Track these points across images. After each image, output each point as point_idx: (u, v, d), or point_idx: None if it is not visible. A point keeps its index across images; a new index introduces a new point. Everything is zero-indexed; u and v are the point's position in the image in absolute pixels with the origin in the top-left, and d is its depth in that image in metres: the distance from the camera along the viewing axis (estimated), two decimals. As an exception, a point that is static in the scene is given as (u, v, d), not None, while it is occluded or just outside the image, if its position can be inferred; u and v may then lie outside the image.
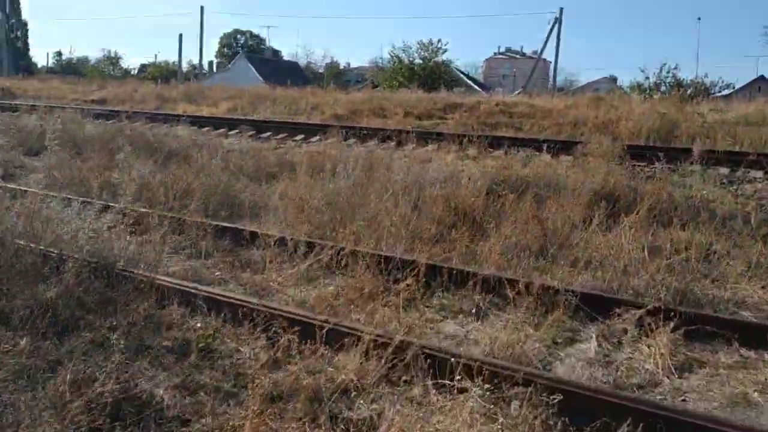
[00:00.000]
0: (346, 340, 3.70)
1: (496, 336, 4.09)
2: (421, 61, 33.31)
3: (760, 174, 10.33)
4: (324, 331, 3.74)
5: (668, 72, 25.83)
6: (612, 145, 11.03)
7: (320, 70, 56.51)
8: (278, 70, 43.11)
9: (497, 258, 5.45)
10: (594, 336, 4.24)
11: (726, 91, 26.10)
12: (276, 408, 3.10)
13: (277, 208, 7.13)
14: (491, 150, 12.54)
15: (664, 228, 7.31)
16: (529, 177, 9.93)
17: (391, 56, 34.29)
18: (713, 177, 10.29)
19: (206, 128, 15.50)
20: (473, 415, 2.86)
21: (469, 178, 10.22)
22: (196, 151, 9.45)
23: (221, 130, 15.22)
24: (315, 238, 6.09)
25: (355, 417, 3.07)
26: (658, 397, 3.59)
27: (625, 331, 4.34)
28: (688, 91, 24.46)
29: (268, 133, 14.77)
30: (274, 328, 3.82)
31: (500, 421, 2.87)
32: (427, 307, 4.82)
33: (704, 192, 9.44)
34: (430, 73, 32.05)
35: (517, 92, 31.14)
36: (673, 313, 4.31)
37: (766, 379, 3.83)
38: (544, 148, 12.10)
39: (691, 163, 10.93)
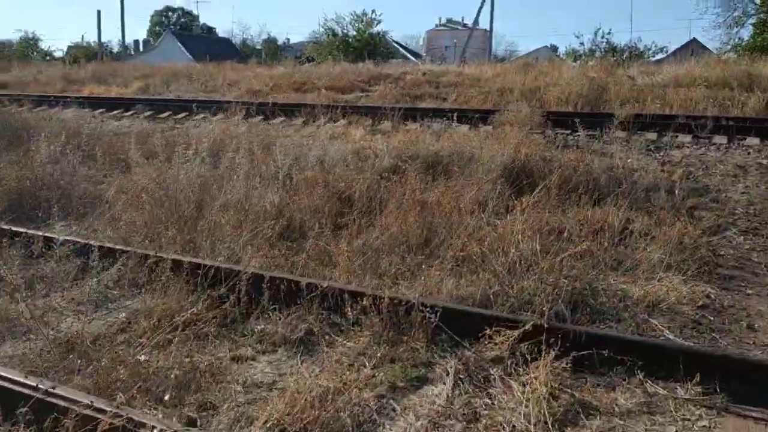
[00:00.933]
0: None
1: (311, 384, 2.84)
2: (355, 33, 31.66)
3: (688, 138, 9.35)
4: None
5: (602, 37, 24.96)
6: (531, 113, 9.86)
7: (258, 47, 54.03)
8: (210, 47, 40.71)
9: (346, 261, 4.18)
10: (451, 373, 3.02)
11: (660, 55, 25.42)
12: None
13: (112, 203, 5.71)
14: (407, 123, 11.28)
15: (577, 206, 6.17)
16: (443, 151, 8.73)
17: (324, 29, 32.53)
18: (639, 143, 9.25)
19: (101, 110, 13.77)
20: None
21: (376, 155, 9.01)
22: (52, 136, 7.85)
23: (116, 112, 13.53)
24: (139, 241, 4.72)
25: None
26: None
27: (499, 360, 3.15)
28: (623, 56, 23.72)
29: (168, 113, 13.16)
30: None
31: None
32: (244, 336, 3.55)
33: (628, 161, 8.40)
34: (365, 45, 30.46)
35: (459, 64, 29.89)
36: (560, 333, 3.13)
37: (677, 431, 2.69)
38: (458, 118, 10.95)
39: (618, 128, 9.89)
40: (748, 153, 8.59)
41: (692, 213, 6.69)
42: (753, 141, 9.03)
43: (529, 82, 14.67)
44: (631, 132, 9.82)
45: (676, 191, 7.02)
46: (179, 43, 48.80)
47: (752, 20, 21.85)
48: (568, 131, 10.15)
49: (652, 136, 9.63)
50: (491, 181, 7.34)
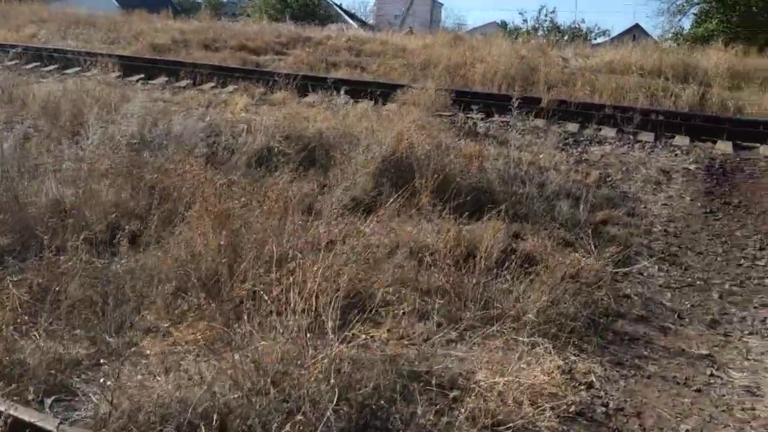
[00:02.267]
0: None
1: None
2: (293, -8, 29.41)
3: (612, 133, 8.03)
4: None
5: (546, 15, 23.59)
6: (437, 93, 8.33)
7: (199, 0, 50.51)
8: (143, -2, 37.26)
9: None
10: None
11: (602, 39, 24.28)
12: None
13: None
14: (307, 94, 9.61)
15: (457, 218, 4.72)
16: (330, 132, 7.16)
17: (264, -14, 30.08)
18: (558, 135, 7.88)
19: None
20: None
21: (250, 132, 7.38)
22: None
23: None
24: None
25: None
26: None
27: None
28: (565, 37, 22.49)
29: (35, 64, 11.06)
30: None
31: None
32: None
33: (540, 156, 7.00)
34: (303, 6, 28.26)
35: (403, 32, 28.06)
36: None
37: None
38: (365, 92, 9.35)
39: (537, 116, 8.51)
40: (675, 155, 7.32)
41: (601, 230, 5.35)
42: (682, 140, 7.78)
43: (456, 57, 13.12)
44: (551, 121, 8.44)
45: (586, 200, 5.66)
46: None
47: (695, 9, 20.92)
48: (482, 116, 8.70)
49: (573, 127, 8.28)
50: (370, 174, 5.85)
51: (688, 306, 4.31)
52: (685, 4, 21.29)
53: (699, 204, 6.14)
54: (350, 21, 31.57)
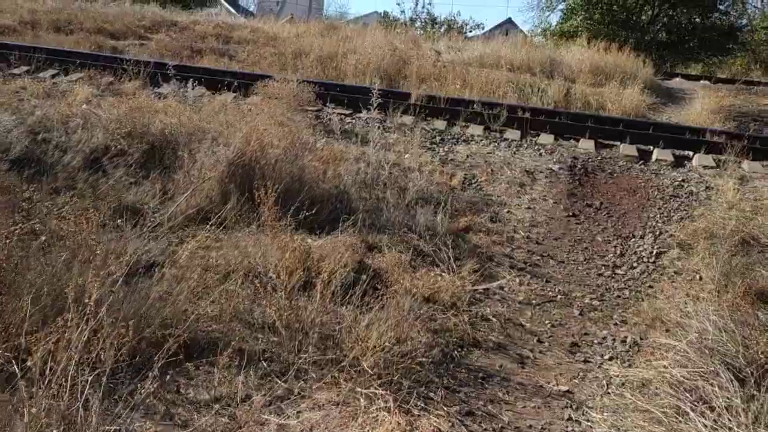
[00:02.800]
0: None
1: None
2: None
3: (479, 130, 7.72)
4: None
5: (423, 7, 23.46)
6: (299, 87, 7.62)
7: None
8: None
9: None
10: None
11: (476, 32, 24.57)
12: None
13: None
14: (162, 84, 8.52)
15: (307, 231, 4.07)
16: (181, 129, 6.26)
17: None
18: (426, 133, 7.45)
19: None
20: None
21: (83, 128, 6.34)
22: None
23: None
24: None
25: None
26: None
27: None
28: (441, 28, 22.50)
29: None
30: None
31: None
32: None
33: (406, 156, 6.52)
34: (175, -12, 26.22)
35: (283, 20, 26.89)
36: None
37: None
38: (227, 83, 8.45)
39: (405, 112, 8.03)
40: (540, 154, 7.12)
41: (462, 240, 4.92)
42: (546, 139, 7.62)
43: (329, 47, 12.44)
44: (420, 118, 8.00)
45: (448, 205, 5.23)
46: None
47: (561, 6, 21.62)
48: (350, 111, 8.12)
49: (441, 124, 7.88)
50: (216, 180, 5.05)
51: (548, 326, 3.96)
52: (553, 0, 21.98)
53: (562, 207, 5.91)
54: (230, 8, 29.87)
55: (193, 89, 8.10)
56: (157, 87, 8.50)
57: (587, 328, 3.97)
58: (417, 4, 23.34)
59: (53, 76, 8.84)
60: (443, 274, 4.07)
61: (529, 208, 5.84)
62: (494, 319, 3.91)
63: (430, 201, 5.37)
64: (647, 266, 4.96)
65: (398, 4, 20.08)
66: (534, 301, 4.23)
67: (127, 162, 5.93)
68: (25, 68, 9.07)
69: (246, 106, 7.64)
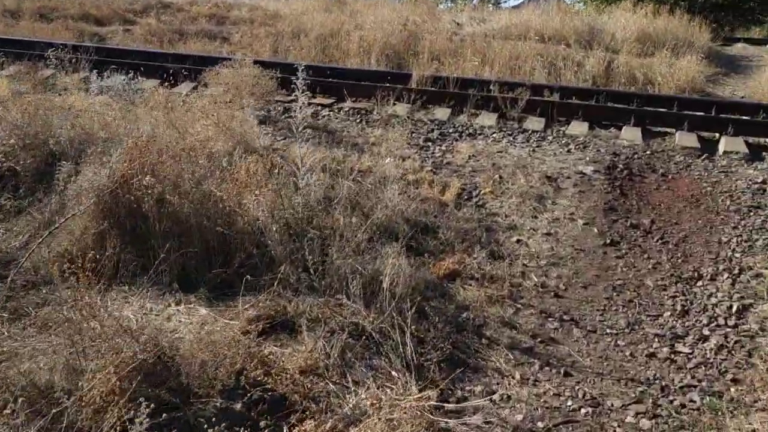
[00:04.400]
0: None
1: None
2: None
3: (491, 120, 5.93)
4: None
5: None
6: (263, 70, 5.97)
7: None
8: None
9: None
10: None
11: (512, 2, 22.16)
12: None
13: None
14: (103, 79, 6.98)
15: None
16: (90, 135, 4.77)
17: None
18: (421, 126, 5.70)
19: None
20: None
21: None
22: None
23: None
24: None
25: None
26: None
27: None
28: (474, 1, 20.33)
29: None
30: None
31: None
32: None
33: (386, 162, 4.82)
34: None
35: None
36: None
37: None
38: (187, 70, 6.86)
39: (399, 99, 6.28)
40: (568, 150, 5.28)
41: (446, 293, 3.21)
42: (579, 128, 5.76)
43: (332, 24, 10.69)
44: (417, 105, 6.23)
45: (426, 237, 3.51)
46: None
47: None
48: (331, 101, 6.42)
49: (443, 113, 6.10)
50: (89, 215, 3.49)
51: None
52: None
53: (596, 230, 4.11)
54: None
55: (135, 82, 6.50)
56: (102, 80, 6.95)
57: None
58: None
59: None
60: (389, 386, 2.38)
61: (548, 234, 4.05)
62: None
63: (396, 235, 3.65)
64: (725, 335, 3.14)
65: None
66: (541, 425, 2.49)
67: (16, 185, 4.46)
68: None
69: (196, 99, 6.02)
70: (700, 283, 3.58)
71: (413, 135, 5.48)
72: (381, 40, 9.70)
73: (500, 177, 4.72)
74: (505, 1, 21.79)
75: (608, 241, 3.99)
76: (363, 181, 4.40)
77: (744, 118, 6.01)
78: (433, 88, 6.61)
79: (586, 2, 16.58)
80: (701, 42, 10.16)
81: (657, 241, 4.04)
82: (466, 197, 4.48)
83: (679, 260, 3.83)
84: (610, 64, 8.75)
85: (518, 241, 3.96)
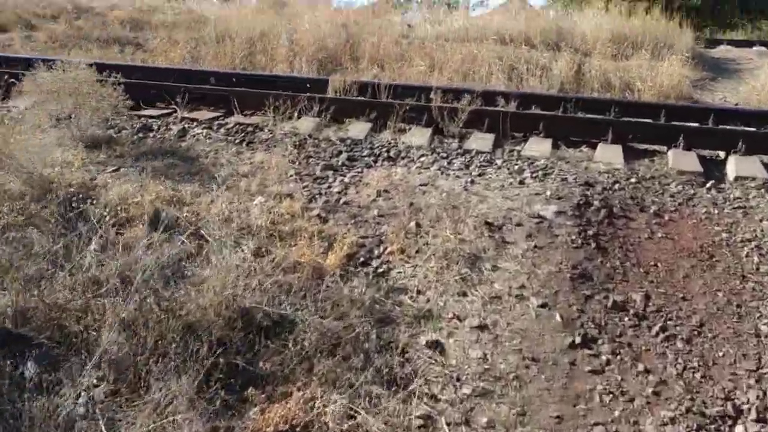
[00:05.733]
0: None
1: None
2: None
3: (422, 138, 4.35)
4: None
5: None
6: (98, 85, 4.27)
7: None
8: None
9: None
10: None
11: (481, 10, 20.75)
12: None
13: None
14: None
15: None
16: None
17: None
18: (326, 146, 4.07)
19: None
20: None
21: None
22: None
23: None
24: None
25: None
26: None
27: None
28: (449, 4, 18.89)
29: None
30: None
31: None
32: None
33: (254, 203, 3.14)
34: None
35: None
36: None
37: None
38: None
39: (305, 112, 4.64)
40: (522, 181, 3.67)
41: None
42: (538, 147, 4.18)
43: (260, 26, 9.08)
44: (328, 120, 4.59)
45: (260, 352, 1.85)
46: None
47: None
48: (215, 115, 4.77)
49: (361, 129, 4.46)
50: None
51: None
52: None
53: (558, 318, 2.49)
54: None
55: None
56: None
57: None
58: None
59: None
60: None
61: (480, 327, 2.42)
62: None
63: (203, 343, 1.99)
64: None
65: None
66: None
67: None
68: None
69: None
70: (739, 429, 1.97)
71: (309, 161, 3.85)
72: (315, 44, 8.12)
73: (417, 225, 3.09)
74: (474, 9, 20.31)
75: (578, 340, 2.38)
76: (204, 238, 2.75)
77: (750, 129, 4.50)
78: (352, 98, 5.00)
79: (558, 3, 15.21)
80: (683, 43, 8.71)
81: (656, 334, 2.44)
82: (361, 260, 2.84)
83: (697, 375, 2.22)
84: (581, 68, 7.25)
85: (431, 344, 2.32)
